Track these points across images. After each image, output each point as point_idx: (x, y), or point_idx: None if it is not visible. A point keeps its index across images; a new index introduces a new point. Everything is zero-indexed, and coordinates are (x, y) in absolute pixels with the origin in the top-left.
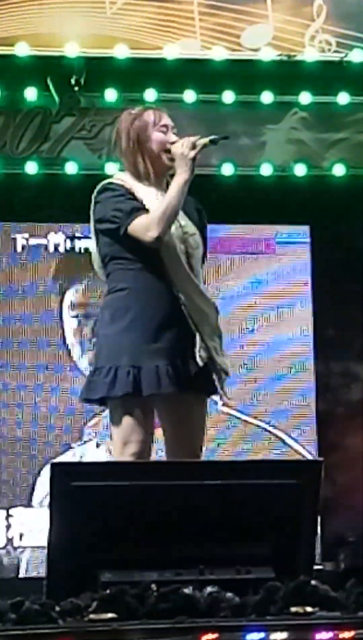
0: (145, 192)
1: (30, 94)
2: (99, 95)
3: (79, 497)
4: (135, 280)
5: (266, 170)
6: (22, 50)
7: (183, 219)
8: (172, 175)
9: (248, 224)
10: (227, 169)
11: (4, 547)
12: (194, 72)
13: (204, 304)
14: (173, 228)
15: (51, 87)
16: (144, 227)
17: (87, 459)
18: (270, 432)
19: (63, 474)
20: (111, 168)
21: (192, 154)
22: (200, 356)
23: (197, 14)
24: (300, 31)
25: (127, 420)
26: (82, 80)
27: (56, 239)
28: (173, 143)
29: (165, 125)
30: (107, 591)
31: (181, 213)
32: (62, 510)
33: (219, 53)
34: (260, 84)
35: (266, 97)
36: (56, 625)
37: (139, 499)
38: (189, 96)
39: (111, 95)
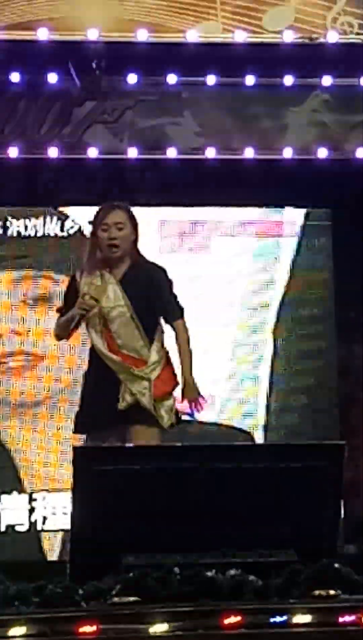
0: (87, 281)
1: (52, 78)
2: (120, 79)
3: (102, 481)
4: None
5: (288, 152)
6: (43, 34)
7: (109, 297)
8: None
9: (269, 206)
10: (249, 152)
11: (27, 531)
12: (216, 55)
13: (115, 362)
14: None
15: (72, 71)
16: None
17: None
18: None
19: (85, 457)
20: (132, 152)
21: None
22: (124, 400)
23: None
24: (322, 13)
25: None
26: (103, 64)
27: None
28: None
29: (106, 224)
30: (130, 574)
31: (112, 290)
32: (85, 494)
33: (240, 36)
34: (281, 66)
35: (288, 79)
36: (78, 609)
37: (161, 482)
38: (211, 79)
39: (132, 79)
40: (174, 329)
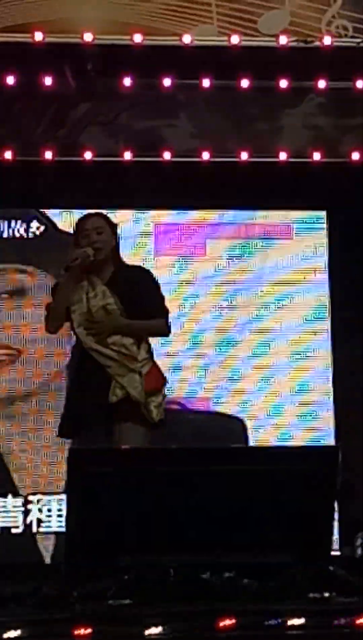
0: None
1: (47, 80)
2: (116, 81)
3: (97, 483)
4: (73, 349)
5: (283, 155)
6: (38, 36)
7: (98, 294)
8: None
9: (265, 209)
10: (244, 154)
11: (22, 534)
12: (211, 57)
13: (107, 356)
14: (79, 308)
15: (67, 73)
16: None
17: None
18: None
19: (81, 459)
20: (127, 154)
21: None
22: (114, 394)
23: (214, 0)
24: (317, 16)
25: None
26: (99, 66)
27: None
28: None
29: (86, 229)
30: (125, 576)
31: (99, 288)
32: (80, 495)
33: (236, 39)
34: (276, 69)
35: (283, 82)
36: (74, 611)
37: (156, 484)
38: (206, 82)
39: (127, 81)
40: None
